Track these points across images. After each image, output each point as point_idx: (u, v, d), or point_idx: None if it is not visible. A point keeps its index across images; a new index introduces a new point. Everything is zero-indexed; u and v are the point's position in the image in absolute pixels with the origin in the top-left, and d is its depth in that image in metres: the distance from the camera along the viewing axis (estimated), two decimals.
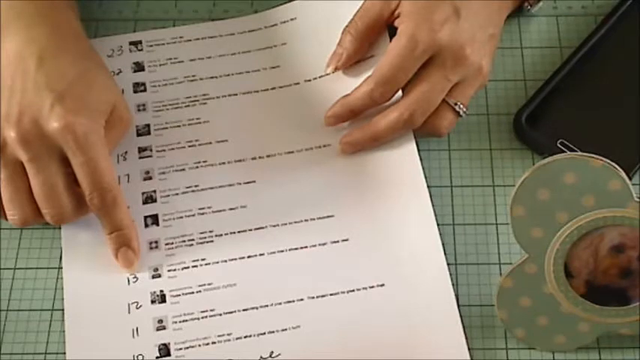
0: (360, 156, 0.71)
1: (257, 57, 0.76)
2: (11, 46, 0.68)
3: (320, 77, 0.74)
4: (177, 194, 0.70)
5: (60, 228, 0.69)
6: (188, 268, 0.67)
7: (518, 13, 0.78)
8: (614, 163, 0.58)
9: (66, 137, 0.65)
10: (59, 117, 0.65)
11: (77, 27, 0.72)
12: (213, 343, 0.64)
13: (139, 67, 0.76)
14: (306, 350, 0.64)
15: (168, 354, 0.64)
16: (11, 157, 0.66)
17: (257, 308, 0.65)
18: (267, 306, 0.65)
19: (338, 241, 0.68)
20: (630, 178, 0.65)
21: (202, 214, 0.69)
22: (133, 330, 0.65)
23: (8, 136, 0.65)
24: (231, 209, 0.69)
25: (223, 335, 0.65)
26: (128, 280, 0.67)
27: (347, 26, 0.73)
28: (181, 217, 0.69)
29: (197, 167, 0.71)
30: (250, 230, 0.68)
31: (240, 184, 0.71)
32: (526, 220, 0.60)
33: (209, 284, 0.66)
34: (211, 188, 0.70)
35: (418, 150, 0.70)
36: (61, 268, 0.68)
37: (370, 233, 0.68)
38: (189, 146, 0.72)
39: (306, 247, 0.68)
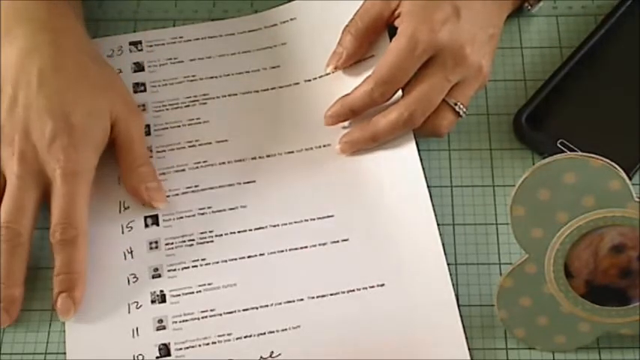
0: (360, 156, 0.71)
1: (257, 57, 0.76)
2: (12, 52, 0.68)
3: (320, 77, 0.74)
4: (177, 194, 0.70)
5: None
6: (188, 268, 0.67)
7: (518, 13, 0.78)
8: (614, 163, 0.58)
9: (56, 172, 0.66)
10: (57, 152, 0.66)
11: (81, 33, 0.72)
12: (214, 343, 0.64)
13: (138, 67, 0.76)
14: (306, 350, 0.64)
15: (169, 354, 0.64)
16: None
17: (257, 308, 0.65)
18: (267, 306, 0.65)
19: (338, 241, 0.68)
20: (630, 178, 0.65)
21: (202, 214, 0.69)
22: (133, 330, 0.65)
23: (5, 150, 0.67)
24: (231, 209, 0.69)
25: (223, 335, 0.65)
26: (128, 280, 0.67)
27: (347, 26, 0.73)
28: (181, 217, 0.69)
29: (197, 167, 0.71)
30: (250, 230, 0.68)
31: (240, 184, 0.71)
32: (526, 220, 0.60)
33: (209, 284, 0.67)
34: (211, 188, 0.70)
35: (418, 150, 0.70)
36: None
37: (370, 233, 0.68)
38: (190, 146, 0.72)
39: (306, 247, 0.68)
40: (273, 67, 0.76)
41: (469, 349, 0.63)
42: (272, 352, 0.64)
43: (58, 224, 0.66)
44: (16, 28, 0.69)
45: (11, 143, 0.67)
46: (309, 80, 0.74)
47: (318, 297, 0.66)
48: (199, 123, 0.74)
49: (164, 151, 0.72)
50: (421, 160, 0.70)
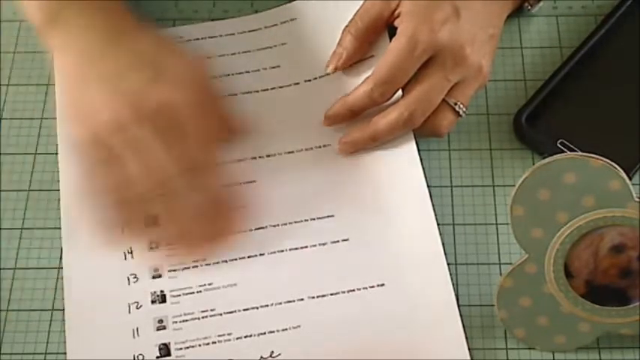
0: (360, 156, 0.71)
1: (257, 57, 0.76)
2: (62, 39, 0.67)
3: (320, 77, 0.74)
4: None
5: (60, 228, 0.69)
6: (188, 268, 0.67)
7: (518, 13, 0.78)
8: (614, 163, 0.58)
9: (170, 112, 0.63)
10: (160, 92, 0.63)
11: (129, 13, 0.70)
12: (214, 343, 0.64)
13: None
14: (306, 350, 0.64)
15: (169, 354, 0.64)
16: (105, 146, 0.63)
17: (257, 308, 0.66)
18: (267, 306, 0.66)
19: (338, 241, 0.68)
20: (630, 178, 0.65)
21: None
22: (133, 330, 0.65)
23: (108, 121, 0.62)
24: None
25: (223, 335, 0.65)
26: (128, 280, 0.67)
27: (347, 26, 0.73)
28: None
29: None
30: (250, 230, 0.68)
31: (240, 184, 0.71)
32: (526, 220, 0.60)
33: (209, 284, 0.67)
34: None
35: (418, 150, 0.70)
36: (61, 268, 0.68)
37: (370, 233, 0.68)
38: None
39: (306, 247, 0.68)
40: (273, 67, 0.76)
41: (469, 349, 0.63)
42: (272, 352, 0.64)
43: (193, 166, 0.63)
44: (64, 10, 0.67)
45: (101, 112, 0.63)
46: (309, 80, 0.74)
47: (318, 297, 0.66)
48: None
49: None
50: (421, 160, 0.70)
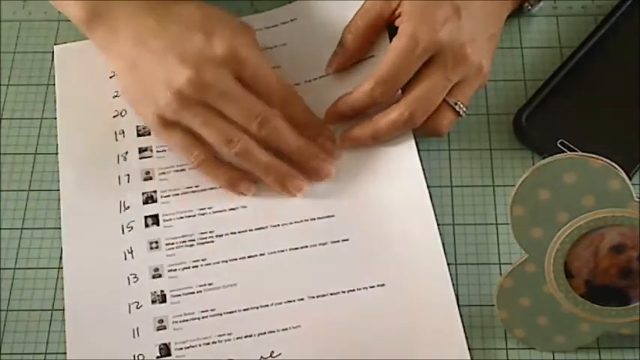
0: (359, 156, 0.71)
1: None
2: (108, 32, 0.69)
3: (320, 77, 0.74)
4: (177, 194, 0.70)
5: (60, 228, 0.69)
6: (188, 268, 0.67)
7: (519, 13, 0.78)
8: (614, 163, 0.58)
9: (236, 55, 0.68)
10: (221, 43, 0.68)
11: None
12: (214, 342, 0.64)
13: None
14: (306, 350, 0.64)
15: (169, 354, 0.64)
16: (194, 104, 0.67)
17: (257, 308, 0.66)
18: (267, 306, 0.66)
19: (338, 241, 0.68)
20: (630, 178, 0.65)
21: (203, 214, 0.69)
22: (133, 330, 0.65)
23: (181, 90, 0.67)
24: (231, 209, 0.69)
25: (224, 335, 0.65)
26: (128, 280, 0.67)
27: (347, 26, 0.73)
28: (182, 218, 0.69)
29: None
30: (250, 230, 0.69)
31: None
32: (526, 220, 0.60)
33: (209, 284, 0.67)
34: (211, 188, 0.70)
35: (418, 150, 0.70)
36: (61, 268, 0.68)
37: (370, 233, 0.68)
38: None
39: (306, 247, 0.68)
40: (274, 68, 0.75)
41: (469, 349, 0.63)
42: (272, 351, 0.64)
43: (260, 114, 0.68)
44: (106, 4, 0.70)
45: (174, 80, 0.67)
46: (310, 81, 0.74)
47: (318, 297, 0.66)
48: None
49: (164, 150, 0.72)
50: (421, 160, 0.70)
